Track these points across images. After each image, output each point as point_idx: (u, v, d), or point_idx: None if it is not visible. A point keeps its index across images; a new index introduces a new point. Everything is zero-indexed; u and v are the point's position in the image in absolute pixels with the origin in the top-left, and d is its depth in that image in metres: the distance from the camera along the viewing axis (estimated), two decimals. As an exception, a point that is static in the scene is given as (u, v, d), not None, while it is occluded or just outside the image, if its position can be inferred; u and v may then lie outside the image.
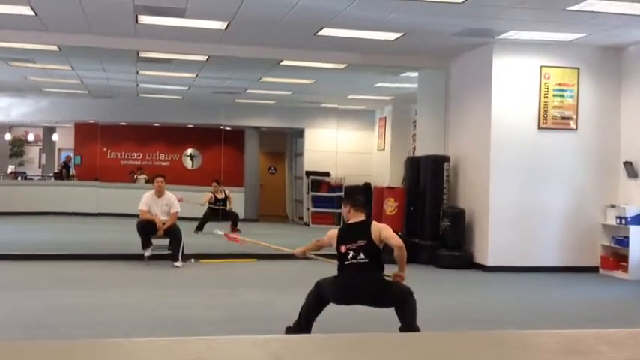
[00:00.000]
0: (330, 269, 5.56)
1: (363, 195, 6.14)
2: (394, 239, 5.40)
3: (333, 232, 5.66)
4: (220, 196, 14.37)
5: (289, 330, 5.40)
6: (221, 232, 7.35)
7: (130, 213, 11.81)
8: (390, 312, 5.34)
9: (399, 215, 10.86)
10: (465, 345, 1.69)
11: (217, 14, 8.70)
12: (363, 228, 5.43)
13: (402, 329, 5.17)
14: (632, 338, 1.83)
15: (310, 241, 5.96)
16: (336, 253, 5.49)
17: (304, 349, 1.53)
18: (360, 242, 5.33)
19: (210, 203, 14.16)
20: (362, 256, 5.30)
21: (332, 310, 5.51)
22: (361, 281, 5.32)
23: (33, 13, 8.76)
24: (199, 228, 13.62)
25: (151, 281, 8.61)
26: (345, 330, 5.58)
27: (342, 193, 17.11)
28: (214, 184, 14.55)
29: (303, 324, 5.40)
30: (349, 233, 5.47)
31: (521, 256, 9.87)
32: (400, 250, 5.38)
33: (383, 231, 5.42)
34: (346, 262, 5.35)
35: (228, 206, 14.37)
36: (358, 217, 5.56)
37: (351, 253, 5.33)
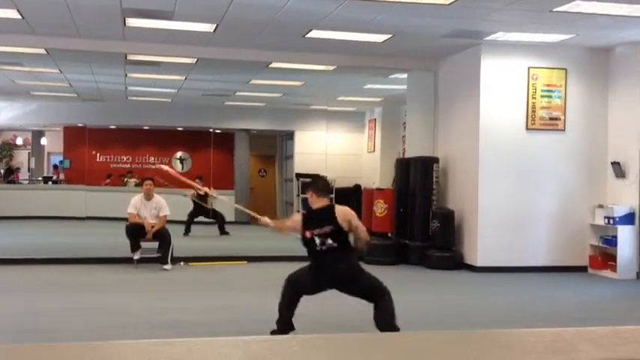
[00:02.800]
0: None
1: (325, 181, 6.13)
2: (360, 230, 5.50)
3: (297, 216, 5.66)
4: (201, 192, 14.27)
5: (274, 332, 5.40)
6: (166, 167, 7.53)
7: (119, 216, 11.77)
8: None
9: (388, 216, 10.87)
10: (447, 345, 1.69)
11: (205, 17, 8.68)
12: (328, 213, 5.37)
13: (381, 329, 5.15)
14: (614, 336, 1.83)
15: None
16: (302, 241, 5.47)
17: (286, 350, 1.52)
18: (326, 228, 5.30)
19: (193, 198, 14.03)
20: (330, 241, 5.29)
21: (321, 310, 5.51)
22: (335, 266, 5.33)
23: (20, 16, 8.71)
24: (187, 230, 13.57)
25: (140, 285, 8.58)
26: (334, 331, 5.57)
27: (332, 195, 17.13)
28: (197, 180, 14.49)
29: (284, 322, 5.39)
30: (314, 219, 5.42)
31: (510, 256, 9.90)
32: (363, 242, 5.68)
33: (353, 220, 5.42)
34: (316, 249, 5.33)
35: (209, 201, 14.19)
36: (322, 203, 5.50)
37: (318, 240, 5.30)
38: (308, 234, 5.35)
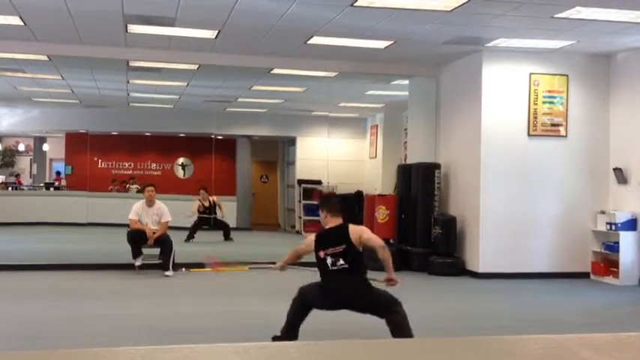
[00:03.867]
0: (316, 276, 5.55)
1: (338, 200, 6.10)
2: (374, 240, 5.37)
3: (310, 238, 5.58)
4: (206, 204, 14.27)
5: (276, 338, 5.38)
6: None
7: (121, 222, 11.76)
8: (382, 324, 5.32)
9: (390, 223, 10.85)
10: (448, 351, 1.68)
11: (207, 23, 8.70)
12: (341, 232, 5.35)
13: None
14: (616, 343, 1.82)
15: (289, 252, 5.90)
16: (315, 260, 5.45)
17: (285, 357, 1.52)
18: (339, 248, 5.27)
19: (199, 212, 14.11)
20: (341, 262, 5.25)
21: (321, 317, 5.49)
22: (345, 288, 5.29)
23: (22, 23, 8.73)
24: (190, 237, 13.58)
25: (141, 291, 8.56)
26: (336, 337, 5.56)
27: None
28: (201, 191, 14.50)
29: (290, 331, 5.39)
30: (327, 238, 5.40)
31: (513, 262, 9.88)
32: (383, 250, 5.32)
33: (363, 234, 5.37)
34: (327, 269, 5.30)
35: (219, 213, 14.30)
36: (335, 222, 5.47)
37: (330, 259, 5.28)
38: (322, 254, 5.33)
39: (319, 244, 5.39)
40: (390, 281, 5.42)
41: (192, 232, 13.70)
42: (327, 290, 5.36)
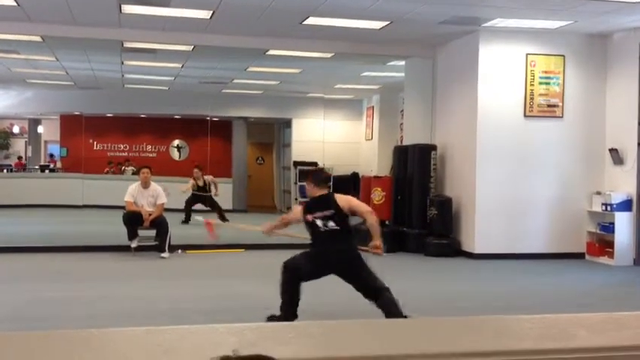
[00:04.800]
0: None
1: (325, 172, 6.28)
2: (362, 206, 5.61)
3: (298, 207, 5.79)
4: (200, 183, 14.16)
5: (272, 319, 5.37)
6: (201, 219, 7.50)
7: (116, 204, 11.75)
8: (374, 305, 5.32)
9: (386, 204, 10.86)
10: (443, 331, 1.68)
11: (202, 3, 8.62)
12: (329, 199, 5.52)
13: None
14: (611, 322, 1.83)
15: (277, 219, 6.08)
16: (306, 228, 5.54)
17: (281, 337, 1.51)
18: (327, 212, 5.41)
19: (193, 190, 13.99)
20: (332, 223, 5.38)
21: (314, 299, 5.50)
22: (336, 247, 5.41)
23: (15, 3, 8.65)
24: (187, 218, 13.48)
25: (137, 273, 8.58)
26: (331, 319, 5.58)
27: (330, 183, 17.09)
28: (195, 170, 14.42)
29: (289, 310, 5.37)
30: (315, 205, 5.55)
31: (508, 243, 9.91)
32: (370, 216, 5.51)
33: (351, 201, 5.57)
34: (319, 231, 5.41)
35: (213, 191, 14.16)
36: (321, 192, 5.63)
37: (320, 222, 5.40)
38: (309, 217, 5.44)
39: (307, 211, 5.52)
40: (375, 248, 5.48)
41: (187, 212, 13.58)
42: (318, 253, 5.44)
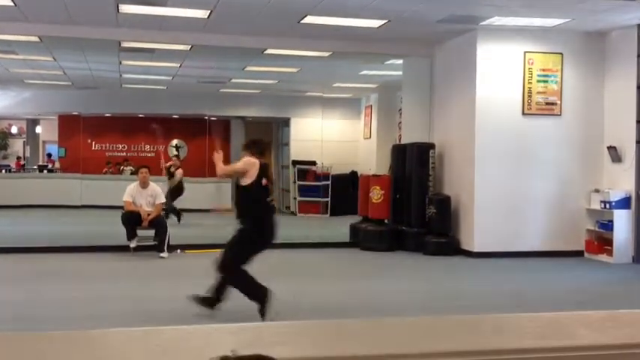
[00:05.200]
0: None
1: (263, 142, 6.13)
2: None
3: (253, 161, 5.42)
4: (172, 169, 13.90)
5: (262, 308, 5.29)
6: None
7: (115, 204, 11.73)
8: (377, 304, 5.33)
9: (385, 203, 10.86)
10: (443, 329, 1.68)
11: (199, 2, 8.62)
12: (268, 169, 5.47)
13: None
14: (610, 320, 1.83)
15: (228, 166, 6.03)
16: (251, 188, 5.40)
17: (279, 337, 1.51)
18: (269, 183, 5.38)
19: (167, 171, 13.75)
20: (270, 197, 5.40)
21: (316, 299, 5.49)
22: (275, 224, 5.42)
23: (12, 4, 8.63)
24: (178, 217, 13.18)
25: (137, 273, 8.57)
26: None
27: (329, 182, 17.13)
28: (174, 158, 14.46)
29: (258, 292, 5.39)
30: (266, 171, 5.45)
31: (507, 241, 9.90)
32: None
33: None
34: (266, 201, 5.32)
35: (171, 179, 13.70)
36: (264, 160, 5.53)
37: (267, 192, 5.36)
38: (264, 181, 5.33)
39: (263, 173, 5.36)
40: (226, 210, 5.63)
41: (177, 212, 13.25)
42: (268, 223, 5.33)
